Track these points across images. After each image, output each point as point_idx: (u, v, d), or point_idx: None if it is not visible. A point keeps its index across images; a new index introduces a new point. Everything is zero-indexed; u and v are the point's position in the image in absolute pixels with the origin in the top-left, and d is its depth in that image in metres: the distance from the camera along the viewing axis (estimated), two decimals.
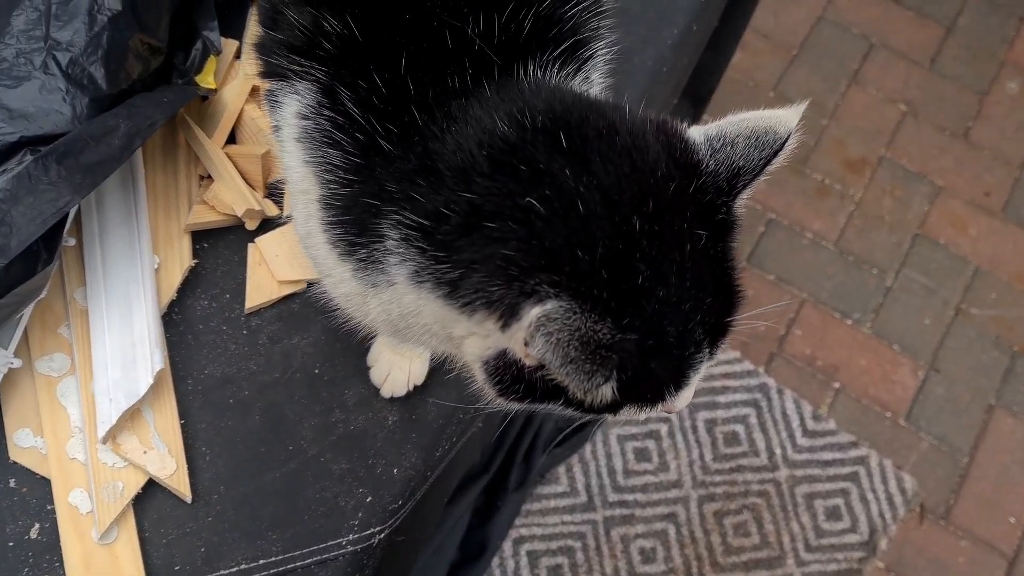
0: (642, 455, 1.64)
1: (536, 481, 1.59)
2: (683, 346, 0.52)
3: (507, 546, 1.57)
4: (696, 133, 0.56)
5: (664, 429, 1.66)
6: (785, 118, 0.55)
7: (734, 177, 0.54)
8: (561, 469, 1.63)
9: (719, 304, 0.54)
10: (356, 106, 0.56)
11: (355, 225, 0.58)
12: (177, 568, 0.75)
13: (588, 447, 1.64)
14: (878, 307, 1.76)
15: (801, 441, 1.65)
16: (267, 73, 0.64)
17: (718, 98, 1.61)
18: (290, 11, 0.59)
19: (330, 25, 0.57)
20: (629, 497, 1.61)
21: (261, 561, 0.75)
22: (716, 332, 0.54)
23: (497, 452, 1.53)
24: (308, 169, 0.60)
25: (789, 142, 0.55)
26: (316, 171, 0.59)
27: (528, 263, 0.50)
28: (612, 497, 1.61)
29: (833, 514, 1.59)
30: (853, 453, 1.64)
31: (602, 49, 0.64)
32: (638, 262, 0.50)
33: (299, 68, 0.59)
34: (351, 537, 0.77)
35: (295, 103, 0.60)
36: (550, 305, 0.48)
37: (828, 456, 1.64)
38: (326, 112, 0.58)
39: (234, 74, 0.90)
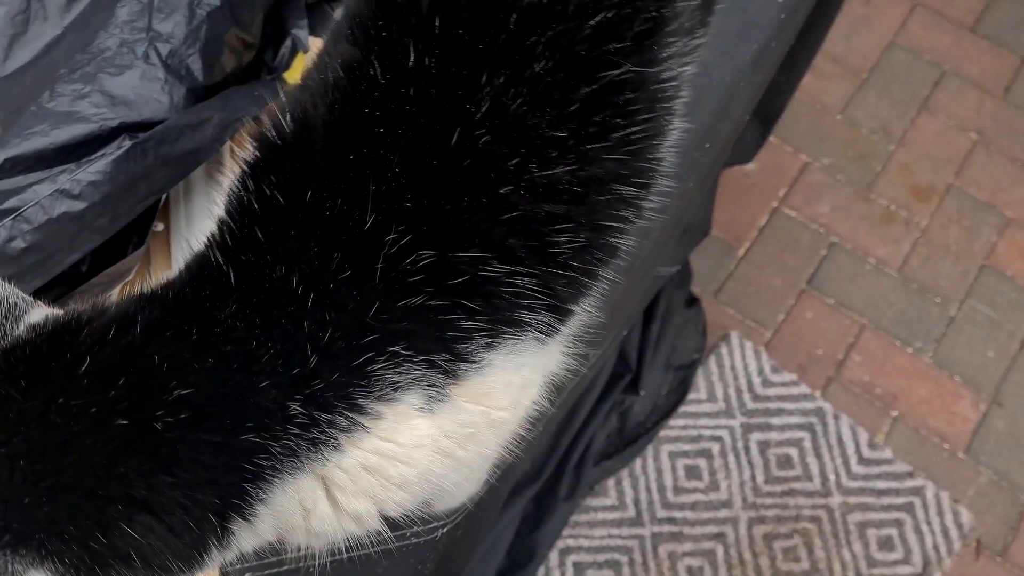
0: (693, 472, 1.63)
1: (585, 493, 1.59)
2: None
3: (553, 556, 1.57)
4: None
5: (716, 448, 1.65)
6: None
7: None
8: (610, 482, 1.62)
9: None
10: None
11: None
12: None
13: (639, 461, 1.64)
14: (940, 337, 1.73)
15: (856, 468, 1.62)
16: None
17: (785, 119, 1.61)
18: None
19: None
20: (678, 514, 1.60)
21: None
22: None
23: (548, 461, 1.54)
24: None
25: None
26: None
27: None
28: (661, 513, 1.60)
29: (886, 544, 1.57)
30: (909, 483, 1.61)
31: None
32: None
33: None
34: (415, 529, 0.78)
35: None
36: None
37: (883, 485, 1.61)
38: None
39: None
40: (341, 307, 0.47)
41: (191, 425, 0.46)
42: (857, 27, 1.97)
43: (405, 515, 0.60)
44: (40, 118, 0.72)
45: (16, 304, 0.52)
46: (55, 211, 0.69)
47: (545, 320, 0.52)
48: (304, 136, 0.50)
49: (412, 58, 0.48)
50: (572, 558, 1.57)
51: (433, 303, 0.48)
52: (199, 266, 0.50)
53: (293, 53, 0.88)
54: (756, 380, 1.69)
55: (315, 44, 0.92)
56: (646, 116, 0.52)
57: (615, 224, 0.53)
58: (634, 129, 0.52)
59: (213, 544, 0.49)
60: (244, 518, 0.49)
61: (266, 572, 0.76)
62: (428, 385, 0.50)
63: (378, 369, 0.48)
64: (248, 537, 0.51)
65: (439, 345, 0.50)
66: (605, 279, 0.57)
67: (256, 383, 0.47)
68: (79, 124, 0.72)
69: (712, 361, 1.70)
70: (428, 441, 0.52)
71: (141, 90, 0.75)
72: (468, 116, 0.48)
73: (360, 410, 0.49)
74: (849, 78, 1.94)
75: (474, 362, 0.51)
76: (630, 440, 1.63)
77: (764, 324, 1.74)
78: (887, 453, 1.63)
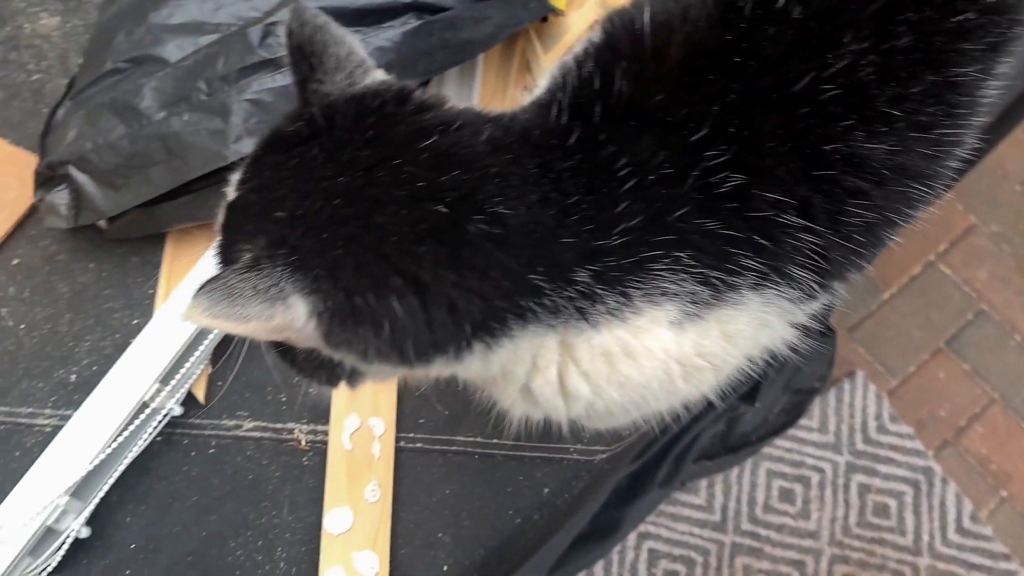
0: (786, 496, 1.63)
1: (678, 485, 1.60)
2: None
3: (632, 537, 1.58)
4: None
5: (815, 478, 1.64)
6: None
7: None
8: (703, 482, 1.63)
9: None
10: None
11: None
12: (422, 421, 0.81)
13: (735, 470, 1.64)
14: None
15: (952, 536, 1.59)
16: None
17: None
18: None
19: None
20: (762, 532, 1.60)
21: (495, 440, 0.80)
22: None
23: (652, 445, 1.55)
24: None
25: None
26: None
27: None
28: (745, 526, 1.60)
29: None
30: (1003, 566, 1.57)
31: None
32: None
33: None
34: (579, 447, 0.81)
35: None
36: None
37: (976, 560, 1.58)
38: None
39: (579, 4, 0.95)
40: (651, 200, 0.49)
41: (497, 242, 0.48)
42: None
43: (587, 424, 0.62)
44: None
45: (365, 60, 0.54)
46: None
47: (808, 284, 0.53)
48: (663, 40, 0.52)
49: (782, 1, 0.50)
50: (649, 544, 1.59)
51: (727, 229, 0.50)
52: (541, 115, 0.53)
53: None
54: (872, 424, 1.67)
55: None
56: (961, 122, 0.53)
57: (894, 218, 0.54)
58: (949, 132, 0.52)
59: (450, 351, 0.50)
60: (488, 343, 0.50)
61: (437, 447, 0.80)
62: (692, 302, 0.51)
63: (659, 269, 0.50)
64: (474, 362, 0.52)
65: (720, 266, 0.50)
66: (861, 269, 0.57)
67: (560, 236, 0.49)
68: None
69: (832, 394, 1.69)
70: (663, 355, 0.53)
71: None
72: (822, 68, 0.49)
73: (628, 300, 0.50)
74: None
75: (739, 298, 0.52)
76: (732, 447, 1.63)
77: (892, 372, 1.71)
78: (987, 530, 1.60)
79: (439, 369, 0.52)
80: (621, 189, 0.49)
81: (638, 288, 0.50)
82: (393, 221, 0.47)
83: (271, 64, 0.74)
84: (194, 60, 0.77)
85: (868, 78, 0.49)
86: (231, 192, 0.52)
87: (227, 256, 0.50)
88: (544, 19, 0.94)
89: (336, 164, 0.48)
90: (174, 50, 0.78)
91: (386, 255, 0.47)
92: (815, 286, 0.53)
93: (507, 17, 0.81)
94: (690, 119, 0.50)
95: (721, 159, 0.49)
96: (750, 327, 0.54)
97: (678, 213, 0.49)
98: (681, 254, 0.50)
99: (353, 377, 0.55)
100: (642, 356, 0.53)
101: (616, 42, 0.53)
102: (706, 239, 0.50)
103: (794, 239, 0.50)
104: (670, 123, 0.50)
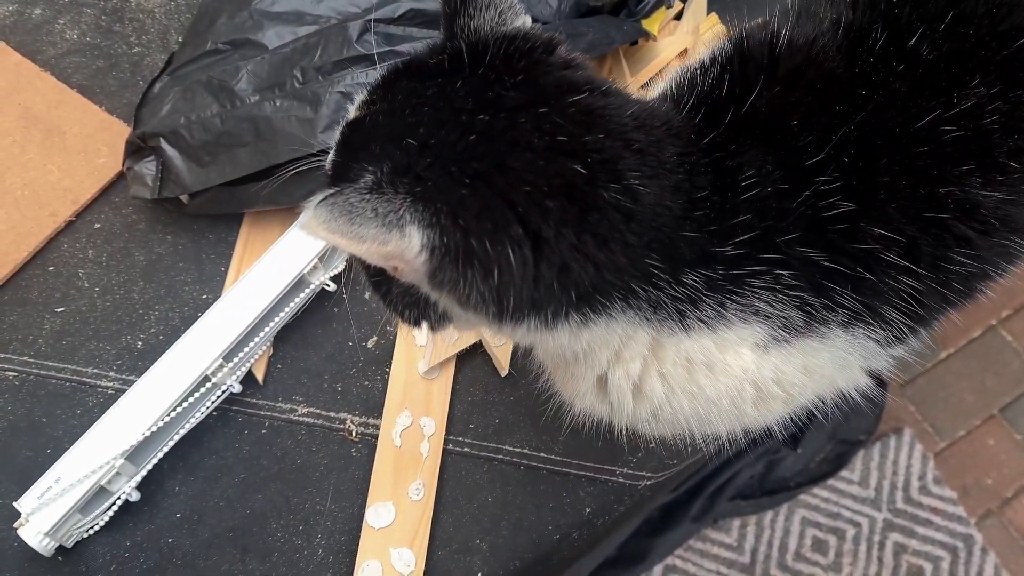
0: (819, 546, 1.60)
1: (710, 522, 1.58)
2: None
3: (658, 569, 1.57)
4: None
5: (851, 532, 1.61)
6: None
7: None
8: (736, 522, 1.61)
9: None
10: None
11: None
12: (472, 426, 0.81)
13: (770, 514, 1.62)
14: None
15: None
16: None
17: None
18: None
19: None
20: None
21: (542, 454, 0.80)
22: None
23: (688, 479, 1.54)
24: None
25: None
26: None
27: None
28: (774, 571, 1.58)
29: None
30: None
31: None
32: None
33: None
34: (624, 471, 0.81)
35: None
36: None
37: None
38: None
39: (669, 31, 0.96)
40: (764, 214, 0.49)
41: (625, 214, 0.46)
42: None
43: (646, 429, 0.62)
44: None
45: (516, 3, 0.53)
46: None
47: (899, 327, 0.52)
48: (800, 64, 0.51)
49: (913, 40, 0.50)
50: None
51: (831, 261, 0.49)
52: (676, 107, 0.52)
53: (656, 6, 0.92)
54: (915, 484, 1.64)
55: (677, 5, 0.96)
56: None
57: (991, 271, 0.53)
58: None
59: (546, 314, 0.49)
60: (587, 315, 0.49)
61: (483, 454, 0.80)
62: (782, 327, 0.50)
63: (759, 286, 0.49)
64: (564, 335, 0.51)
65: (818, 292, 0.50)
66: (944, 318, 0.56)
67: (684, 227, 0.48)
68: None
69: (876, 449, 1.66)
70: (740, 374, 0.53)
71: None
72: (947, 107, 0.48)
73: (724, 311, 0.50)
74: None
75: (827, 331, 0.52)
76: (769, 490, 1.61)
77: (941, 433, 1.68)
78: None
79: (525, 331, 0.51)
80: (740, 198, 0.49)
81: (735, 301, 0.50)
82: (528, 168, 0.45)
83: (366, 59, 0.76)
84: (292, 48, 0.79)
85: (992, 126, 0.48)
86: (352, 111, 0.52)
87: (342, 173, 0.49)
88: (635, 42, 0.94)
89: (479, 100, 0.47)
90: (273, 37, 0.80)
91: (513, 202, 0.45)
92: (906, 330, 0.52)
93: (601, 36, 0.82)
94: (810, 146, 0.49)
95: (834, 185, 0.49)
96: (831, 364, 0.53)
97: (787, 237, 0.49)
98: (783, 272, 0.49)
99: (440, 321, 0.54)
100: (720, 371, 0.52)
101: (752, 57, 0.53)
102: (809, 266, 0.49)
103: (894, 280, 0.50)
104: (794, 147, 0.50)
